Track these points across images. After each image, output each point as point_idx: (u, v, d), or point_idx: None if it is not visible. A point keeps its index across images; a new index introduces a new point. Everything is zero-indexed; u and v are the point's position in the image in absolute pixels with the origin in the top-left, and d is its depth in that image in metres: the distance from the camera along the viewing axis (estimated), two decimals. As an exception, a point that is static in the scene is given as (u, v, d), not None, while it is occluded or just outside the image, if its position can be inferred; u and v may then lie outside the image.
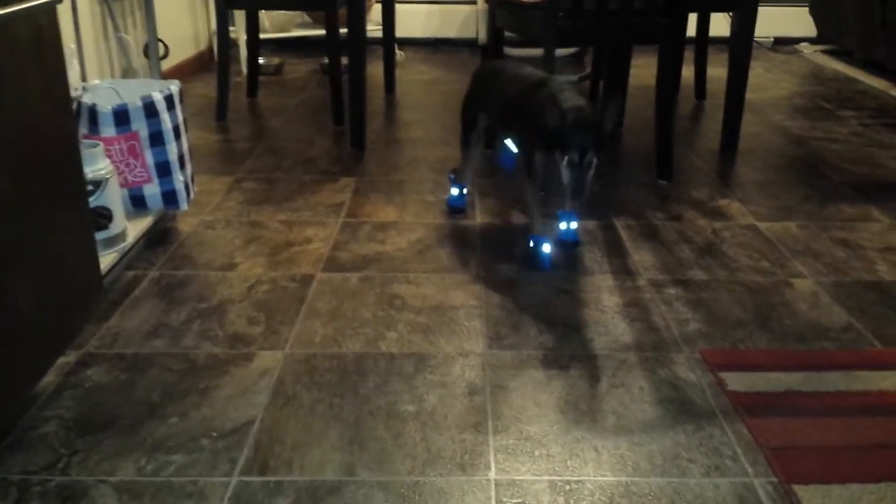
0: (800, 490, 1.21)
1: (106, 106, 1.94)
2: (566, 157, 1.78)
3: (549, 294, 1.83)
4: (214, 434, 1.34)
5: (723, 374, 1.51)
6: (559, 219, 2.10)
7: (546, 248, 1.97)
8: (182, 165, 2.07)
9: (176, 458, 1.28)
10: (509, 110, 2.03)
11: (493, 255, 2.02)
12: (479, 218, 2.26)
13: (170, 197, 2.06)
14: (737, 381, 1.49)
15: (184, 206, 2.08)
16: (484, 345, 1.62)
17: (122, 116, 1.95)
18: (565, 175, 1.81)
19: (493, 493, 1.22)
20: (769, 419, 1.38)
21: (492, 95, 2.10)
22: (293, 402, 1.43)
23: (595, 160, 1.79)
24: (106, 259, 1.79)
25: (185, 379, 1.49)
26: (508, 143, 2.18)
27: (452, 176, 2.33)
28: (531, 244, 2.00)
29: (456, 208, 2.32)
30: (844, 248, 2.09)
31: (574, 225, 2.09)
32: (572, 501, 1.20)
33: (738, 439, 1.34)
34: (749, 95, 3.01)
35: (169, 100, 2.02)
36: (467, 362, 1.56)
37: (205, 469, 1.26)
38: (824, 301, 1.81)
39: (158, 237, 2.10)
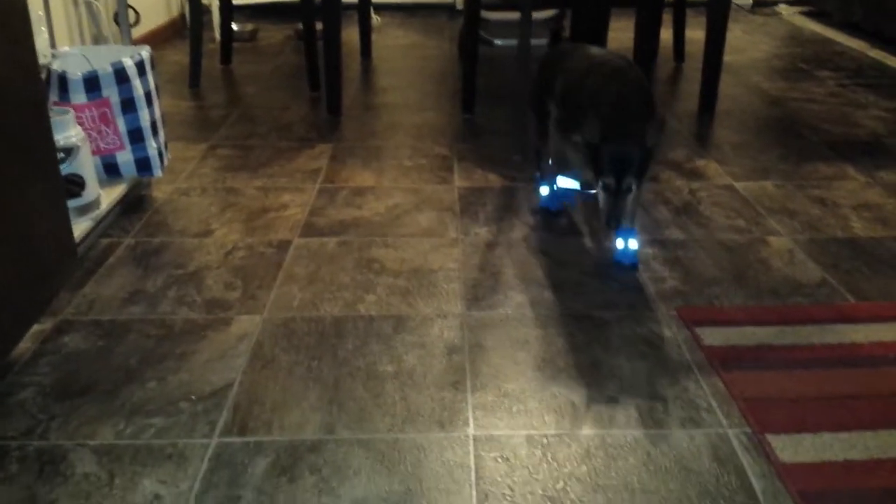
0: (773, 439, 1.24)
1: (76, 73, 1.91)
2: (600, 181, 1.58)
3: (527, 255, 1.84)
4: (193, 397, 1.34)
5: (698, 330, 1.53)
6: (616, 236, 1.81)
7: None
8: (155, 132, 2.05)
9: (155, 422, 1.28)
10: (566, 100, 1.79)
11: (472, 219, 2.02)
12: (457, 182, 2.26)
13: (143, 164, 2.04)
14: (712, 336, 1.51)
15: (157, 172, 2.06)
16: (462, 306, 1.63)
17: (92, 83, 1.92)
18: (600, 198, 1.62)
19: (471, 448, 1.23)
20: (743, 372, 1.40)
21: (555, 82, 1.85)
22: (272, 365, 1.43)
23: (635, 185, 1.57)
24: (80, 227, 1.77)
25: (162, 344, 1.49)
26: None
27: (538, 175, 2.10)
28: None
29: (551, 211, 2.06)
30: (820, 206, 2.11)
31: (633, 244, 1.78)
32: (549, 454, 1.21)
33: (713, 392, 1.36)
34: (727, 57, 3.01)
35: (140, 66, 1.99)
36: (446, 323, 1.57)
37: (184, 431, 1.26)
38: (799, 258, 1.83)
39: (133, 205, 2.08)
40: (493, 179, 2.28)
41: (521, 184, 2.24)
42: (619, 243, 1.79)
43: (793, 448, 1.22)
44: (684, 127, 2.75)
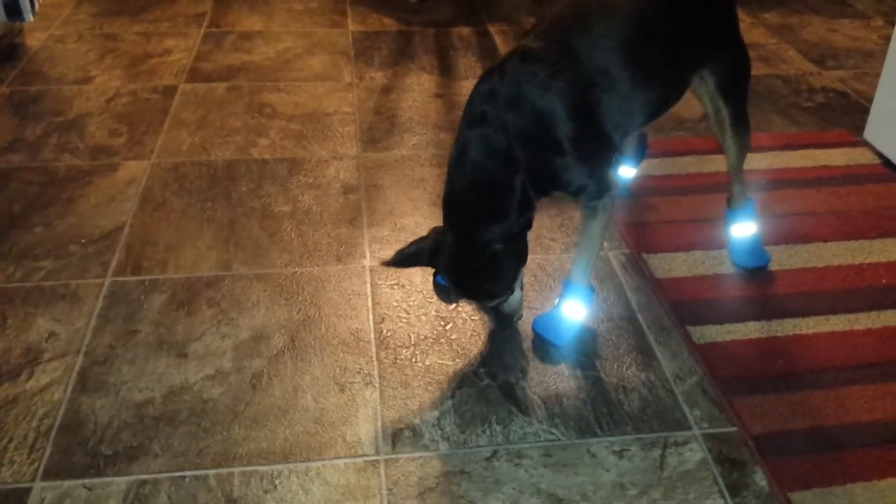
0: (649, 258, 1.32)
1: None
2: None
3: (423, 99, 1.83)
4: (83, 240, 1.32)
5: (586, 164, 1.58)
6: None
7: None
8: (19, -29, 1.90)
9: (45, 265, 1.26)
10: None
11: (367, 63, 1.99)
12: (350, 25, 2.20)
13: (12, 8, 1.90)
14: (599, 169, 1.56)
15: (28, 17, 1.93)
16: (358, 148, 1.63)
17: (-60, -87, 1.74)
18: None
19: (368, 278, 1.27)
20: (623, 199, 1.47)
21: None
22: (163, 208, 1.41)
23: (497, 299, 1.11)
24: (-56, 74, 1.66)
25: (46, 190, 1.44)
26: None
27: None
28: None
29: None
30: (706, 46, 2.16)
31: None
32: (442, 280, 1.27)
33: (597, 219, 1.43)
34: None
35: None
36: (342, 165, 1.57)
37: (76, 272, 1.25)
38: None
39: (5, 53, 1.95)
40: (389, 23, 2.22)
41: (417, 28, 2.20)
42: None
43: (667, 264, 1.31)
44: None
